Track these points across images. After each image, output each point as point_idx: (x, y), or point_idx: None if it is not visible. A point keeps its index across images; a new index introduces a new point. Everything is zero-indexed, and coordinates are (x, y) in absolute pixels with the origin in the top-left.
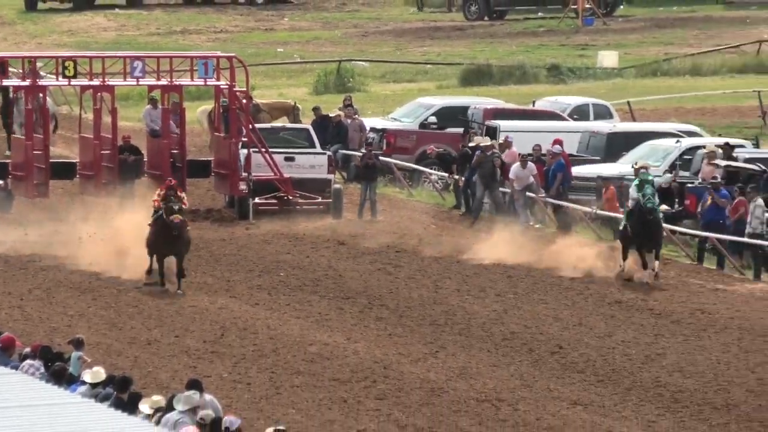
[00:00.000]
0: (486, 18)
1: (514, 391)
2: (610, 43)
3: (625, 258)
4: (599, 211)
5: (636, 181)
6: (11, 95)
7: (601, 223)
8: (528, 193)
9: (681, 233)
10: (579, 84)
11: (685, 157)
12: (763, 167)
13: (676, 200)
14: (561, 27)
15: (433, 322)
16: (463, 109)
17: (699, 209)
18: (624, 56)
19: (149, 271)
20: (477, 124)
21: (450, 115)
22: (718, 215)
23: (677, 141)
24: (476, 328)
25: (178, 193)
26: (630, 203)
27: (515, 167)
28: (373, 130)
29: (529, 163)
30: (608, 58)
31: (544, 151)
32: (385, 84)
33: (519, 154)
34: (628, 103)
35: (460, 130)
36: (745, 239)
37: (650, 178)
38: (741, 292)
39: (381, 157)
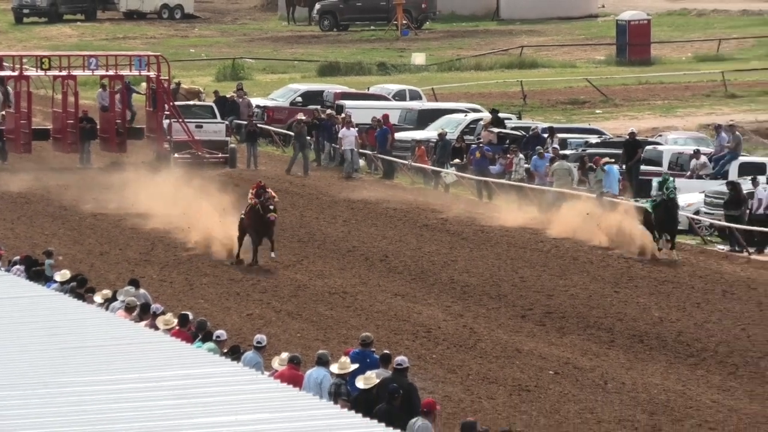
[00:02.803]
0: (335, 29)
1: (355, 287)
2: (419, 47)
3: (653, 236)
4: (413, 163)
5: (659, 179)
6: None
7: (414, 172)
8: (352, 148)
9: (466, 178)
10: (399, 76)
11: (471, 126)
12: (524, 133)
13: (464, 155)
14: (386, 36)
15: (299, 240)
16: (320, 93)
17: (471, 159)
18: (430, 57)
19: (239, 255)
20: (330, 103)
21: (311, 97)
22: (484, 163)
23: (465, 115)
24: (329, 244)
25: (267, 190)
26: (654, 195)
27: (343, 130)
28: (257, 106)
29: (351, 128)
30: (418, 58)
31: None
32: (265, 74)
33: (344, 120)
34: (432, 89)
35: (318, 106)
36: (520, 184)
37: (670, 179)
38: (510, 218)
39: (264, 126)
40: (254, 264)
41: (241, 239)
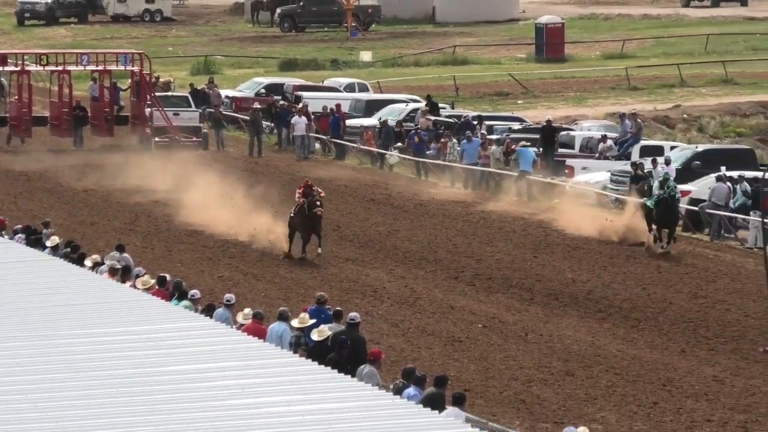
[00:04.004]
0: (294, 30)
1: (311, 253)
2: (367, 46)
3: (651, 231)
4: (362, 146)
5: (660, 178)
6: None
7: (362, 154)
8: (303, 134)
9: (407, 159)
10: (349, 71)
11: (411, 114)
12: (456, 120)
13: (405, 139)
14: (338, 36)
15: (264, 213)
16: (281, 85)
17: (411, 143)
18: (375, 54)
19: (290, 250)
20: (289, 94)
21: (273, 88)
22: (422, 147)
23: (406, 104)
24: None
25: (314, 188)
26: (655, 193)
27: (295, 118)
28: (227, 97)
29: (303, 116)
30: (366, 56)
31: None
32: (234, 69)
33: (295, 108)
34: (378, 82)
35: (279, 97)
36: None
37: (670, 177)
38: (442, 191)
39: (228, 113)
40: (303, 256)
41: (291, 236)
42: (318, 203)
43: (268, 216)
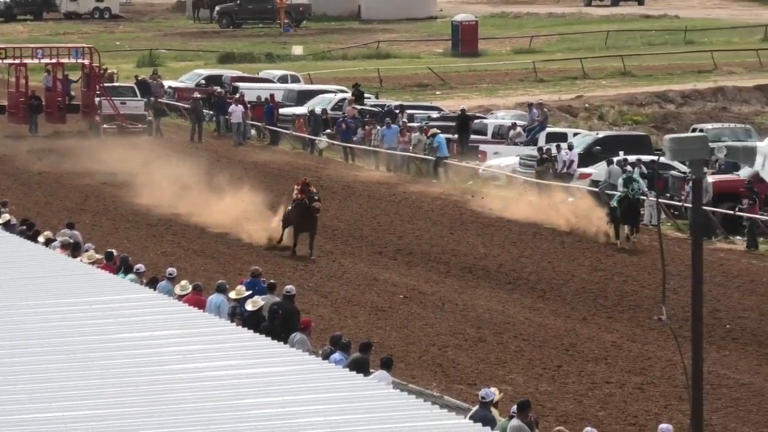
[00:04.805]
0: (231, 26)
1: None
2: (298, 41)
3: (616, 230)
4: (294, 132)
5: (624, 176)
6: None
7: (294, 140)
8: (239, 121)
9: (335, 144)
10: (282, 63)
11: (339, 103)
12: (380, 109)
13: (333, 127)
14: (272, 32)
15: (204, 194)
16: (220, 76)
17: (338, 130)
18: (306, 48)
19: (280, 241)
20: (227, 85)
21: (213, 79)
22: (348, 133)
23: (335, 94)
24: (227, 197)
25: (311, 186)
26: (619, 192)
27: (232, 107)
28: (170, 87)
29: (239, 105)
30: (297, 50)
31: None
32: (177, 62)
33: (232, 97)
34: (309, 74)
35: (218, 87)
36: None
37: (636, 176)
38: (367, 174)
39: (168, 102)
40: (294, 252)
41: (284, 228)
42: (316, 198)
43: (208, 194)
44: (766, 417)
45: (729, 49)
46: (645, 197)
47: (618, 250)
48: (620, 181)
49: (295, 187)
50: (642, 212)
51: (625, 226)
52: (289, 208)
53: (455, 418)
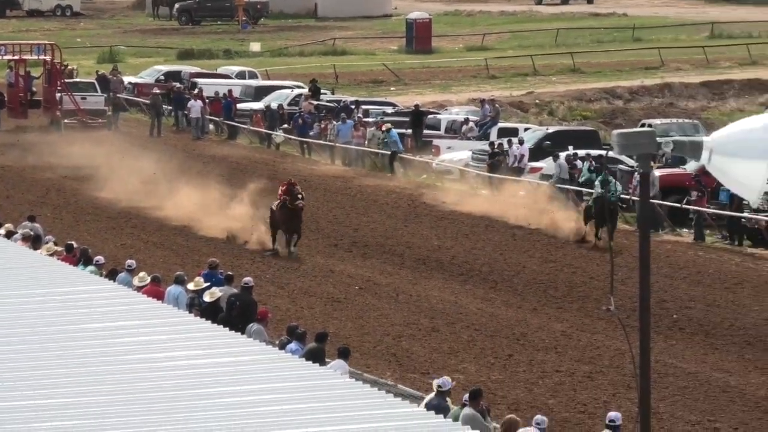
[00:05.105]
0: (190, 23)
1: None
2: (256, 38)
3: (596, 228)
4: (251, 127)
5: (600, 178)
6: None
7: (252, 134)
8: (198, 116)
9: (292, 139)
10: (240, 60)
11: (295, 99)
12: (336, 104)
13: (290, 122)
14: (230, 29)
15: (164, 188)
16: (179, 72)
17: (295, 125)
18: (264, 45)
19: (273, 245)
20: (186, 80)
21: (172, 75)
22: (305, 128)
23: (291, 90)
24: (187, 190)
25: (296, 187)
26: (595, 192)
27: (191, 102)
28: (129, 83)
29: (198, 100)
30: (255, 46)
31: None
32: (137, 59)
33: (190, 93)
34: (266, 70)
35: (177, 83)
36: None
37: (611, 178)
38: (323, 168)
39: (126, 97)
40: (276, 251)
41: (273, 232)
42: (300, 196)
43: (166, 188)
44: (713, 405)
45: (676, 47)
46: (623, 201)
47: (572, 243)
48: (597, 182)
49: (281, 188)
50: (619, 215)
51: (599, 227)
52: (273, 208)
53: (410, 407)
